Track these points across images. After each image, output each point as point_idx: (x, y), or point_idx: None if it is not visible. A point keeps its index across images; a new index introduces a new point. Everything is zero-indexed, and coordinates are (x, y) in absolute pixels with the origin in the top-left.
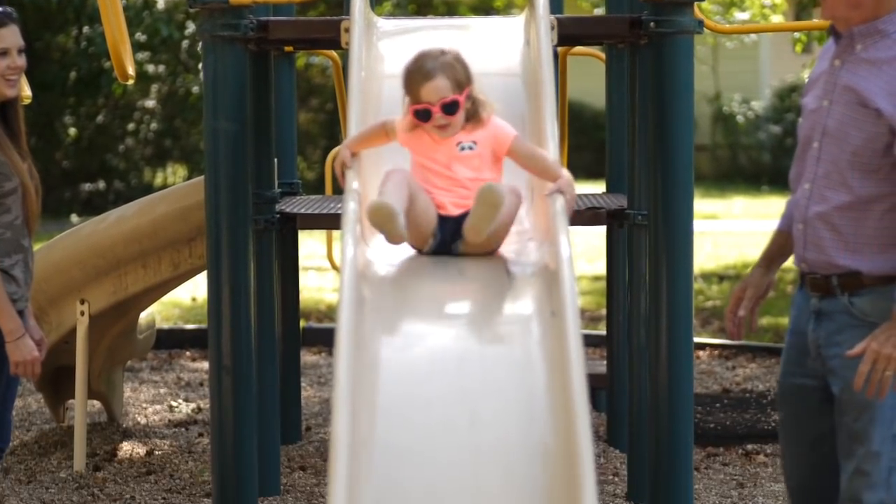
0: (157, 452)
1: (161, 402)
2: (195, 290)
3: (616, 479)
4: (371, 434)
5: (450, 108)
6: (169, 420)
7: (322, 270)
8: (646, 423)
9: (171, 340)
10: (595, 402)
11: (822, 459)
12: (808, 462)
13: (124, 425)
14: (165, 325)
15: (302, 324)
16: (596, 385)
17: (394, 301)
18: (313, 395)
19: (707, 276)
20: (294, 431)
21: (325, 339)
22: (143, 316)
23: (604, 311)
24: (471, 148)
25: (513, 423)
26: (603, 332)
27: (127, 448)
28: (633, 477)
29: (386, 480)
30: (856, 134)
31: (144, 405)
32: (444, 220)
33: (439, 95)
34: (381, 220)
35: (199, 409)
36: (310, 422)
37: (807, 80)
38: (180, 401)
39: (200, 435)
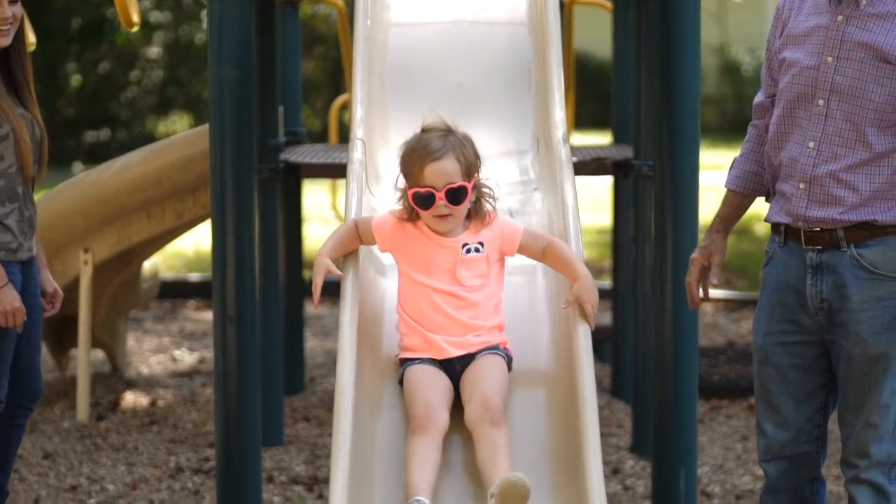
0: (160, 402)
1: (164, 352)
2: (198, 240)
3: (620, 430)
4: (376, 384)
5: (456, 197)
6: (172, 370)
7: (327, 222)
8: (650, 376)
9: (174, 291)
10: (600, 353)
11: (806, 422)
12: (792, 423)
13: (127, 375)
14: (169, 276)
15: (306, 275)
16: (600, 337)
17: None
18: (317, 346)
19: None
20: (298, 382)
21: (329, 291)
22: (147, 265)
23: (608, 264)
24: (477, 250)
25: (517, 357)
26: (607, 283)
27: (130, 398)
28: (637, 429)
29: (390, 424)
30: (877, 90)
31: (148, 355)
32: (447, 366)
33: (446, 179)
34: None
35: (203, 360)
36: (313, 373)
37: (780, 33)
38: (184, 350)
39: (204, 385)
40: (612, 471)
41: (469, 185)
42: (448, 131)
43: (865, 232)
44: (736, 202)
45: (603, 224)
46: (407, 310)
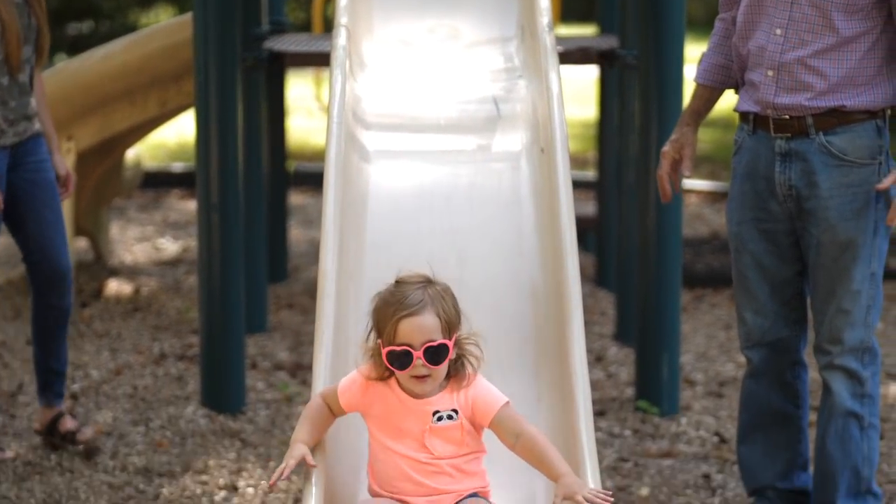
0: (143, 290)
1: (148, 240)
2: (181, 131)
3: (604, 319)
4: (359, 269)
5: (436, 356)
6: (156, 259)
7: (311, 114)
8: (634, 265)
9: (157, 181)
10: (584, 243)
11: (783, 307)
12: (770, 309)
13: (111, 264)
14: (152, 166)
15: (290, 165)
16: (585, 227)
17: (383, 138)
18: (300, 236)
19: None
20: (281, 271)
21: (312, 181)
22: (130, 155)
23: (593, 155)
24: (451, 417)
25: (501, 261)
26: (591, 174)
27: (114, 286)
28: (620, 317)
29: None
30: None
31: (131, 244)
32: None
33: (424, 337)
34: None
35: (187, 249)
36: (297, 261)
37: None
38: (167, 239)
39: (187, 273)
40: (596, 358)
41: (450, 343)
42: (427, 282)
43: (834, 119)
44: (705, 95)
45: (587, 117)
46: (376, 476)
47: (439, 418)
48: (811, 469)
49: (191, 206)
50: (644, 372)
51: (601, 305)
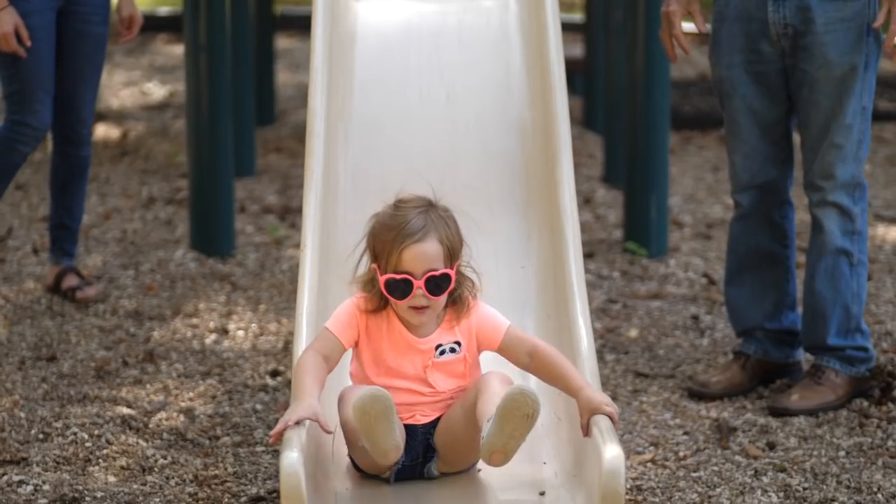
0: (131, 134)
1: (135, 85)
2: None
3: (591, 161)
4: (348, 107)
5: (437, 286)
6: (143, 103)
7: None
8: (622, 107)
9: (143, 25)
10: (571, 85)
11: (772, 148)
12: (760, 152)
13: (98, 108)
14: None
15: (277, 9)
16: (572, 69)
17: None
18: (288, 80)
19: None
20: (268, 114)
21: (299, 24)
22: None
23: None
24: (453, 350)
25: (489, 98)
26: (579, 17)
27: (101, 130)
28: (608, 160)
29: (363, 152)
30: None
31: (118, 88)
32: (409, 432)
33: (426, 265)
34: (374, 417)
35: (174, 93)
36: (284, 105)
37: None
38: (154, 83)
39: (175, 118)
40: (584, 200)
41: (452, 273)
42: (428, 205)
43: None
44: None
45: None
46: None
47: (442, 352)
48: (799, 309)
49: (177, 50)
50: (632, 214)
51: (589, 148)
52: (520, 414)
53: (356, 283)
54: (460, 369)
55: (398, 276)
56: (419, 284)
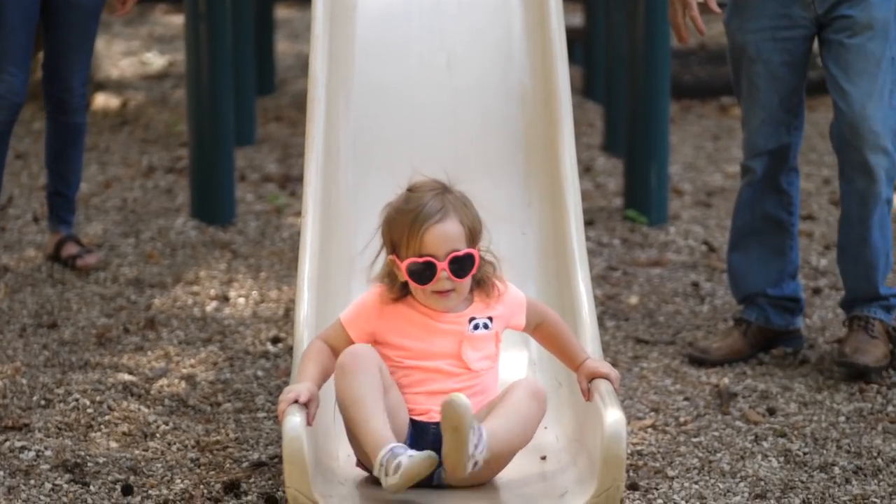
0: (131, 104)
1: (134, 55)
2: None
3: (592, 130)
4: (349, 74)
5: (462, 267)
6: (142, 73)
7: None
8: (622, 76)
9: None
10: (571, 54)
11: (787, 115)
12: (776, 118)
13: (97, 78)
14: None
15: None
16: (572, 37)
17: None
18: (287, 49)
19: None
20: (268, 83)
21: None
22: None
23: None
24: (486, 326)
25: (490, 65)
26: None
27: (101, 99)
28: (609, 129)
29: (364, 119)
30: None
31: (118, 58)
32: (420, 430)
33: (449, 246)
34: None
35: (173, 63)
36: (284, 75)
37: None
38: (154, 53)
39: (175, 87)
40: (584, 169)
41: (476, 253)
42: (443, 189)
43: None
44: None
45: None
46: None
47: (475, 326)
48: (800, 278)
49: (176, 20)
50: (632, 182)
51: (589, 117)
52: (448, 427)
53: (374, 280)
54: (491, 349)
55: (420, 260)
56: (443, 266)
